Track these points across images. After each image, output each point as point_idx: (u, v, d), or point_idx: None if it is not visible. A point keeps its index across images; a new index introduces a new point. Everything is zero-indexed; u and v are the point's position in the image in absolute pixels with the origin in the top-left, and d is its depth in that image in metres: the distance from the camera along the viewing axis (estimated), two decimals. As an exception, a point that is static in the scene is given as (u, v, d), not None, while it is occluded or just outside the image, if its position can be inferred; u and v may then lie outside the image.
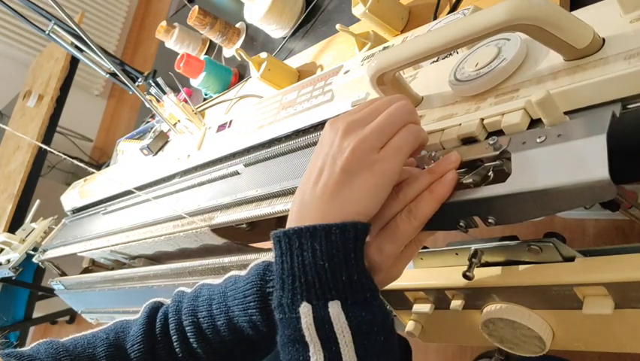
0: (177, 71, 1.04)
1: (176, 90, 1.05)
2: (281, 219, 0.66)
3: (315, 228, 0.37)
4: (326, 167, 0.40)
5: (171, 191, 0.90)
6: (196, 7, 1.07)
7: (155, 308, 0.53)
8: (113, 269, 1.10)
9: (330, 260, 0.37)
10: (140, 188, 1.01)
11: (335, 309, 0.36)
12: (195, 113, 0.95)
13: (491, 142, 0.39)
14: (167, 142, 1.02)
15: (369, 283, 0.38)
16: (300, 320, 0.36)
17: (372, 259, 0.40)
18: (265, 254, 0.68)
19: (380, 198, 0.39)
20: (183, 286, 0.81)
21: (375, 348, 0.36)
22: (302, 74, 0.90)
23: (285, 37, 1.00)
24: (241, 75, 1.09)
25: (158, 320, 0.51)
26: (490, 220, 0.39)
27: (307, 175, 0.41)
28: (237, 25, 1.14)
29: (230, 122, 0.83)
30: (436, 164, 0.42)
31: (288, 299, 0.37)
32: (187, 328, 0.49)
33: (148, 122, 1.28)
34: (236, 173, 0.77)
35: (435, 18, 0.70)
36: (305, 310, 0.36)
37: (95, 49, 0.90)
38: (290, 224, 0.41)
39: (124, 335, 0.51)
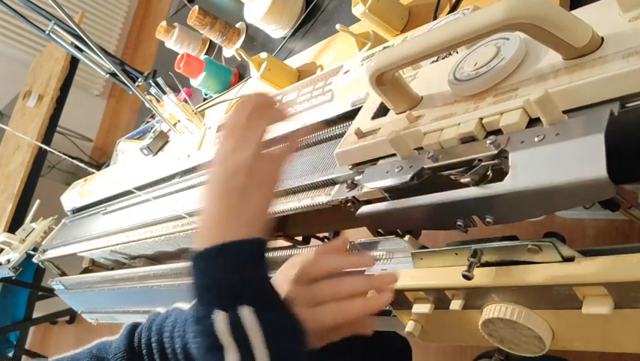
0: (177, 71, 1.04)
1: (176, 90, 1.05)
2: (280, 220, 0.66)
3: (214, 248, 0.42)
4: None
5: (171, 191, 0.90)
6: (196, 7, 1.07)
7: (134, 326, 0.57)
8: (113, 269, 1.10)
9: (236, 272, 0.41)
10: (140, 188, 1.01)
11: (246, 312, 0.40)
12: (195, 113, 0.95)
13: (490, 141, 0.39)
14: (167, 142, 1.02)
15: (274, 292, 0.43)
16: (214, 326, 0.39)
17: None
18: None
19: (262, 198, 0.45)
20: (183, 285, 0.81)
21: (286, 349, 0.40)
22: (302, 74, 0.90)
23: (285, 37, 1.00)
24: (241, 75, 1.08)
25: (136, 336, 0.55)
26: (488, 220, 0.39)
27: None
28: (237, 25, 1.14)
29: (230, 122, 0.83)
30: (378, 277, 0.46)
31: (204, 311, 0.40)
32: (153, 345, 0.53)
33: (148, 122, 1.28)
34: (236, 173, 0.77)
35: (435, 18, 0.70)
36: (219, 317, 0.39)
37: (95, 49, 0.90)
38: (199, 243, 0.44)
39: (105, 350, 0.54)
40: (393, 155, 0.48)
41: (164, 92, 1.02)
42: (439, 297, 0.48)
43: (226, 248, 0.41)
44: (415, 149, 0.47)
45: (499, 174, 0.38)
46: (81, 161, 3.10)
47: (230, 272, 0.41)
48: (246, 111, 0.46)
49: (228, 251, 0.41)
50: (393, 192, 0.47)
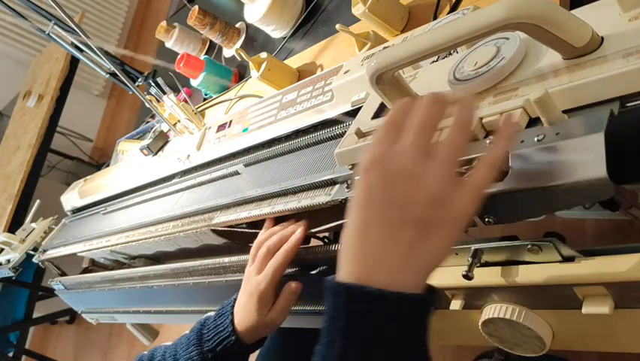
0: (177, 71, 1.04)
1: (176, 90, 1.05)
2: (280, 220, 0.66)
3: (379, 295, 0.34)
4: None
5: (171, 191, 0.90)
6: (196, 7, 1.07)
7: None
8: (113, 269, 1.10)
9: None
10: (140, 188, 1.01)
11: None
12: (195, 113, 0.95)
13: (490, 141, 0.39)
14: (167, 142, 1.02)
15: None
16: None
17: None
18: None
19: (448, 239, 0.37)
20: (182, 285, 0.81)
21: None
22: (302, 74, 0.90)
23: (285, 37, 1.00)
24: (241, 75, 1.09)
25: None
26: (488, 220, 0.39)
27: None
28: (237, 25, 1.14)
29: (230, 122, 0.83)
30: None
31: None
32: None
33: (148, 122, 1.28)
34: (236, 173, 0.77)
35: (435, 18, 0.70)
36: None
37: (95, 49, 0.90)
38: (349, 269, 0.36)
39: None
40: (393, 155, 0.48)
41: (164, 92, 1.02)
42: (439, 297, 0.48)
43: (402, 301, 0.34)
44: (415, 149, 0.46)
45: (499, 174, 0.38)
46: (81, 161, 3.10)
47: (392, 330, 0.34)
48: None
49: (402, 306, 0.34)
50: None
